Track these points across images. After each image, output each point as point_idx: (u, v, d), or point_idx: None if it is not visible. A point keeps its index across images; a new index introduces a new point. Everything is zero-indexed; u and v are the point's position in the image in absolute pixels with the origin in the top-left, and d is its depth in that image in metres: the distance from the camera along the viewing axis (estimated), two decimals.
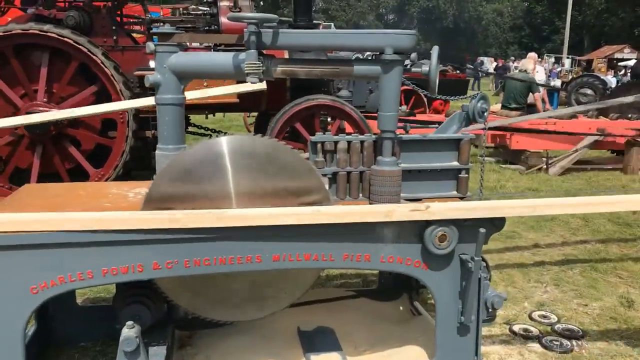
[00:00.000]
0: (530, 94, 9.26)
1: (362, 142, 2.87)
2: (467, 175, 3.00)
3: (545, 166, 8.53)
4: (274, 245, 2.52)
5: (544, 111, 9.57)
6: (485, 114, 3.10)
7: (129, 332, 2.56)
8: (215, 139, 2.71)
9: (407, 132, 3.04)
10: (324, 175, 2.83)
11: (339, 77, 2.91)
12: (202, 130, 8.01)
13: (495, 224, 2.67)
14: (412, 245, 2.64)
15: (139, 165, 6.79)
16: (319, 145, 2.85)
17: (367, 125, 6.53)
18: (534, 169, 8.59)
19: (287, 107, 6.46)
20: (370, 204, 2.82)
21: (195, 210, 2.57)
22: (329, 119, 6.96)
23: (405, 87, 11.15)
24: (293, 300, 2.89)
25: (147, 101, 5.41)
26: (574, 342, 3.46)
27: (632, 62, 22.50)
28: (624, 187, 7.77)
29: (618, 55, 31.17)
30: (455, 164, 2.99)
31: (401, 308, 3.59)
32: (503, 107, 9.71)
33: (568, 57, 28.69)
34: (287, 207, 2.62)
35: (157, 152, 2.90)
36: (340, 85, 9.90)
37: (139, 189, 3.09)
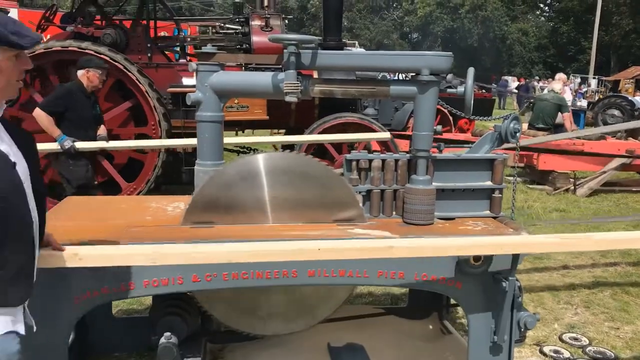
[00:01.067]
0: (559, 114, 9.22)
1: (396, 160, 2.92)
2: (500, 195, 3.02)
3: (573, 187, 8.46)
4: (310, 260, 2.56)
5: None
6: (518, 134, 3.13)
7: (167, 343, 2.62)
8: (253, 155, 2.79)
9: (440, 151, 3.08)
10: (359, 192, 2.88)
11: (375, 97, 2.97)
12: (233, 147, 8.12)
13: None
14: (446, 264, 2.66)
15: (169, 180, 6.91)
16: (353, 163, 2.90)
17: (395, 143, 6.58)
18: (562, 189, 8.53)
19: (315, 124, 6.55)
20: (403, 222, 2.85)
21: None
22: None
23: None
24: (325, 316, 2.93)
25: None
26: None
27: None
28: None
29: None
30: (488, 183, 3.02)
31: (431, 327, 3.60)
32: (530, 126, 9.67)
33: (594, 78, 28.41)
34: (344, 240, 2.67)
35: (196, 167, 2.99)
36: (366, 104, 9.98)
37: (177, 203, 3.17)
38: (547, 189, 8.73)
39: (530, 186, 9.13)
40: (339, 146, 6.66)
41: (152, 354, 2.63)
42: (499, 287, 2.67)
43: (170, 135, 6.28)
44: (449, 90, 2.85)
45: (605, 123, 16.36)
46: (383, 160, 2.91)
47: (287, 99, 2.73)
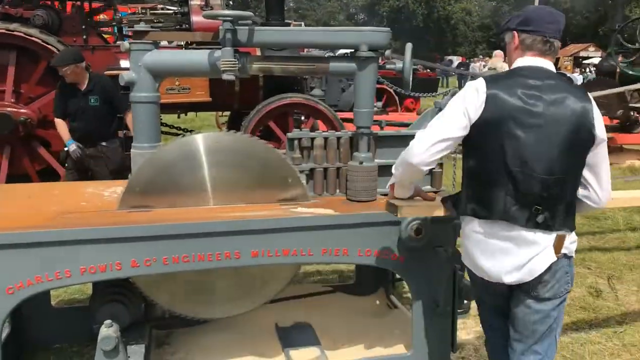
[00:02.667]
0: None
1: (338, 138, 2.90)
2: (440, 170, 3.06)
3: None
4: (253, 241, 2.53)
5: None
6: None
7: (108, 330, 2.55)
8: (191, 135, 2.72)
9: (382, 128, 3.08)
10: (301, 171, 2.86)
11: (315, 74, 2.94)
12: (175, 130, 7.96)
13: None
14: (388, 239, 2.68)
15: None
16: (295, 142, 2.87)
17: (341, 123, 6.57)
18: None
19: (260, 105, 6.46)
20: (347, 199, 2.85)
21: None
22: (302, 118, 6.98)
23: (378, 84, 11.25)
24: (272, 296, 2.91)
25: None
26: None
27: (597, 60, 22.97)
28: None
29: (583, 54, 31.85)
30: None
31: (378, 302, 3.64)
32: None
33: None
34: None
35: (132, 150, 2.90)
36: (313, 84, 9.93)
37: (115, 188, 3.07)
38: None
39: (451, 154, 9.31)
40: (285, 127, 6.60)
41: (94, 344, 2.55)
42: (440, 259, 2.71)
43: None
44: (387, 66, 2.84)
45: None
46: (325, 139, 2.89)
47: (224, 77, 2.67)
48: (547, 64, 2.09)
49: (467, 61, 31.32)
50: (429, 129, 2.10)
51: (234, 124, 8.03)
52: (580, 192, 2.11)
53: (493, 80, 2.04)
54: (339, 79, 10.97)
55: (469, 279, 2.69)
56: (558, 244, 2.05)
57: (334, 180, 2.93)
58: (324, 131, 3.01)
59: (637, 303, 4.02)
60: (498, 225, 2.06)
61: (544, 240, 2.03)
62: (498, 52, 10.87)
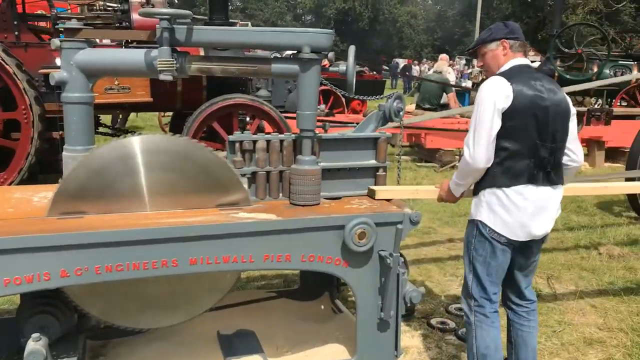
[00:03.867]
0: (444, 94, 9.57)
1: (281, 141, 2.84)
2: (384, 173, 3.04)
3: (457, 163, 8.85)
4: (191, 248, 2.44)
5: None
6: (401, 113, 3.16)
7: (35, 345, 2.40)
8: (126, 138, 2.60)
9: (325, 131, 3.04)
10: (243, 175, 2.78)
11: (257, 75, 2.86)
12: (114, 132, 7.70)
13: (412, 219, 2.71)
14: (332, 244, 2.63)
15: (47, 169, 6.42)
16: (237, 145, 2.79)
17: (287, 124, 6.51)
18: (448, 166, 8.89)
19: (204, 106, 6.33)
20: (290, 203, 2.79)
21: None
22: (247, 119, 6.88)
23: (324, 87, 11.24)
24: (212, 304, 2.82)
25: None
26: None
27: (536, 64, 23.77)
28: None
29: None
30: (373, 162, 3.02)
31: (322, 307, 3.59)
32: (417, 107, 9.98)
33: None
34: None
35: (64, 153, 2.76)
36: (259, 85, 9.83)
37: (45, 193, 2.91)
38: (435, 166, 9.07)
39: (419, 164, 9.45)
40: (229, 128, 6.49)
41: (22, 357, 2.40)
42: (383, 264, 2.69)
43: (44, 120, 5.82)
44: (331, 68, 2.80)
45: None
46: (268, 141, 2.82)
47: (161, 77, 2.57)
48: (528, 61, 2.74)
49: (412, 64, 31.91)
50: (476, 133, 2.57)
51: (176, 125, 7.85)
52: (564, 159, 2.72)
53: (508, 77, 2.59)
54: (285, 80, 10.90)
55: (412, 283, 2.68)
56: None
57: (277, 184, 2.86)
58: (266, 133, 2.94)
59: (575, 302, 4.13)
60: (529, 190, 2.61)
61: (558, 193, 2.71)
62: (443, 56, 11.09)
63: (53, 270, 2.30)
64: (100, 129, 7.62)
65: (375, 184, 3.03)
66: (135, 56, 2.67)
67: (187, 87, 6.46)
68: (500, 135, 2.57)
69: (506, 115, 2.55)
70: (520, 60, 2.71)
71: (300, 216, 2.61)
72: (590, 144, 9.77)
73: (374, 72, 16.93)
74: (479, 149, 2.55)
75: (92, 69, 2.68)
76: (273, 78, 10.07)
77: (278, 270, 4.17)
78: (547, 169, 2.62)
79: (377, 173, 3.03)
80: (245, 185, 2.75)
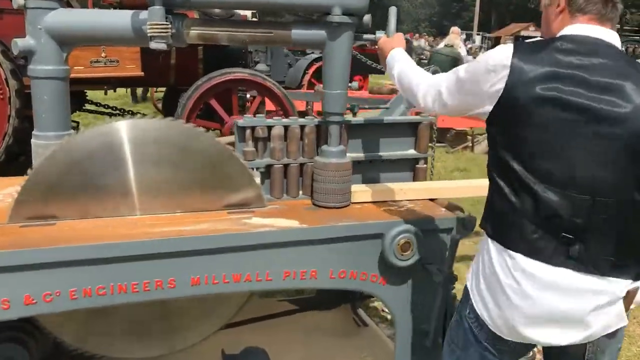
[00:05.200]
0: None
1: (302, 126, 2.30)
2: (425, 165, 2.52)
3: (470, 144, 8.32)
4: (192, 264, 1.91)
5: None
6: None
7: None
8: (111, 123, 2.06)
9: (354, 114, 2.50)
10: (255, 169, 2.25)
11: (273, 44, 2.31)
12: (102, 109, 7.10)
13: (466, 224, 2.19)
14: (367, 256, 2.12)
15: (28, 151, 5.83)
16: (248, 132, 2.25)
17: (292, 102, 5.94)
18: (460, 147, 8.36)
19: (200, 81, 5.74)
20: (313, 204, 2.26)
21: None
22: (247, 96, 6.31)
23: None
24: (216, 328, 2.31)
25: None
26: None
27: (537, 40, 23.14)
28: None
29: (524, 33, 32.13)
30: (412, 152, 2.49)
31: (343, 318, 3.09)
32: None
33: (478, 34, 29.25)
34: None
35: (33, 140, 2.23)
36: (257, 59, 9.23)
37: (11, 189, 2.36)
38: (446, 147, 8.54)
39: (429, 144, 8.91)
40: (228, 106, 5.92)
41: None
42: (430, 281, 2.18)
43: (22, 96, 5.22)
44: (365, 36, 2.25)
45: None
46: (286, 127, 2.28)
47: (153, 45, 2.01)
48: (607, 34, 1.52)
49: (413, 37, 31.17)
50: (451, 86, 1.74)
51: (170, 102, 7.27)
52: None
53: (530, 49, 1.53)
54: (285, 53, 10.27)
55: None
56: None
57: (296, 179, 2.33)
58: (278, 114, 2.40)
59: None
60: (531, 265, 1.55)
61: (607, 287, 1.52)
62: (455, 29, 10.48)
63: (14, 297, 1.77)
64: (88, 106, 7.01)
65: (414, 179, 2.51)
66: (120, 19, 2.11)
67: (182, 60, 5.88)
68: (496, 153, 1.60)
69: (501, 112, 1.52)
70: (584, 28, 1.52)
71: (329, 222, 2.08)
72: None
73: (375, 47, 16.22)
74: (438, 108, 1.75)
75: (65, 35, 2.12)
76: (272, 51, 9.44)
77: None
78: (568, 239, 1.48)
79: (417, 165, 2.50)
80: (258, 182, 2.21)
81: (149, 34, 1.99)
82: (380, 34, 2.22)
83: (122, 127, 2.05)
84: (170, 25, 2.00)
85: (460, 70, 1.65)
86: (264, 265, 2.00)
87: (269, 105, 6.50)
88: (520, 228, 1.51)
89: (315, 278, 2.07)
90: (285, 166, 2.30)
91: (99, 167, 2.02)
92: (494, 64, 1.52)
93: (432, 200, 2.39)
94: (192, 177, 2.10)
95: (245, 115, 2.41)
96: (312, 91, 9.79)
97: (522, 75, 1.46)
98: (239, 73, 5.80)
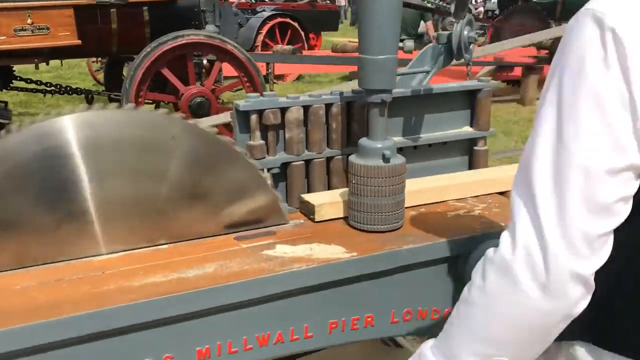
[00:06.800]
0: (422, 22, 8.34)
1: (327, 106, 1.62)
2: (486, 148, 1.89)
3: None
4: (195, 331, 1.26)
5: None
6: (472, 45, 1.97)
7: None
8: (50, 120, 1.33)
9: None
10: (268, 170, 1.58)
11: None
12: (34, 85, 6.15)
13: None
14: (439, 287, 1.50)
15: None
16: (254, 118, 1.56)
17: (257, 67, 5.21)
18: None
19: (149, 48, 4.94)
20: (349, 224, 1.58)
21: None
22: (204, 62, 5.52)
23: (282, 19, 9.80)
24: None
25: None
26: None
27: None
28: (530, 120, 7.28)
29: None
30: (468, 130, 1.86)
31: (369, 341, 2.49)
32: None
33: None
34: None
35: None
36: (206, 19, 8.36)
37: None
38: None
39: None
40: (183, 76, 5.15)
41: None
42: None
43: None
44: None
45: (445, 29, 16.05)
46: (306, 108, 1.60)
47: None
48: None
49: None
50: (550, 181, 0.86)
51: (113, 74, 6.40)
52: None
53: None
54: (234, 12, 9.38)
55: None
56: None
57: (323, 180, 1.67)
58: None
59: None
60: None
61: None
62: None
63: None
64: (16, 83, 6.05)
65: (473, 165, 1.89)
66: None
67: (124, 24, 5.05)
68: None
69: None
70: None
71: (386, 246, 1.43)
72: None
73: (328, 1, 15.39)
74: (566, 230, 0.84)
75: None
76: (221, 10, 8.57)
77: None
78: None
79: (475, 147, 1.87)
80: (271, 184, 1.54)
81: None
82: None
83: (67, 125, 1.33)
84: None
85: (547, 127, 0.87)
86: (301, 318, 1.36)
87: (228, 70, 5.76)
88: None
89: (372, 325, 1.44)
90: (308, 162, 1.63)
91: (37, 186, 1.31)
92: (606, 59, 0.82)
93: (501, 193, 1.78)
94: (177, 190, 1.42)
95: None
96: (270, 52, 9.02)
97: None
98: (193, 36, 5.04)
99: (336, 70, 9.67)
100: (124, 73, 6.14)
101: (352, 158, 1.51)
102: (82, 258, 1.36)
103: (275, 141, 1.59)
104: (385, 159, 1.45)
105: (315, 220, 1.54)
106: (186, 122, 1.42)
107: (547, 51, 8.14)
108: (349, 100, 1.63)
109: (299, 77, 10.96)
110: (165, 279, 1.25)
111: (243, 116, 1.56)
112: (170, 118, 1.42)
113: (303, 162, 1.63)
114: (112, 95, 5.90)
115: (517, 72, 8.31)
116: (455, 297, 1.48)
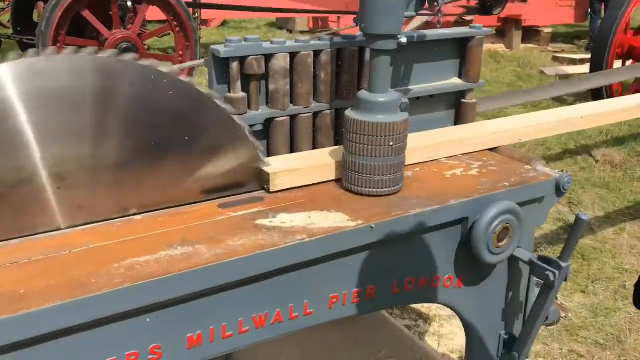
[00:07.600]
0: None
1: (316, 52, 1.43)
2: (474, 101, 1.77)
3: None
4: (182, 318, 1.08)
5: None
6: None
7: None
8: None
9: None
10: (250, 126, 1.38)
11: None
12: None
13: (563, 187, 1.51)
14: (443, 253, 1.38)
15: None
16: (234, 66, 1.34)
17: (187, 10, 4.84)
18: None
19: None
20: (344, 187, 1.43)
21: None
22: (129, 4, 5.06)
23: None
24: None
25: None
26: None
27: None
28: None
29: None
30: (456, 81, 1.73)
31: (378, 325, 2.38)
32: None
33: None
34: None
35: None
36: None
37: None
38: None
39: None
40: (105, 19, 4.70)
41: None
42: (517, 272, 1.52)
43: None
44: None
45: None
46: (293, 55, 1.40)
47: None
48: None
49: None
50: None
51: (21, 17, 5.77)
52: None
53: None
54: None
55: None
56: None
57: (309, 138, 1.49)
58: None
59: (614, 234, 3.30)
60: None
61: None
62: None
63: None
64: None
65: (460, 120, 1.77)
66: None
67: None
68: None
69: None
70: None
71: (389, 212, 1.29)
72: (508, 24, 8.98)
73: None
74: None
75: None
76: None
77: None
78: None
79: (464, 100, 1.75)
80: (256, 143, 1.34)
81: None
82: None
83: (6, 73, 1.08)
84: None
85: None
86: (302, 292, 1.21)
87: (155, 13, 5.34)
88: None
89: (373, 297, 1.31)
90: (293, 118, 1.45)
91: None
92: None
93: (491, 150, 1.68)
94: (142, 146, 1.20)
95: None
96: None
97: None
98: None
99: (263, 15, 9.35)
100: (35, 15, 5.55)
101: (353, 114, 1.34)
102: (39, 234, 1.13)
103: (257, 94, 1.39)
104: (402, 113, 1.30)
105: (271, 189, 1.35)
106: (145, 66, 1.19)
107: (476, 1, 8.13)
108: (339, 47, 1.45)
109: (224, 23, 10.50)
110: (151, 258, 1.05)
111: (221, 64, 1.34)
112: (127, 63, 1.18)
113: (288, 117, 1.44)
114: (24, 40, 5.32)
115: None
116: (457, 262, 1.39)
